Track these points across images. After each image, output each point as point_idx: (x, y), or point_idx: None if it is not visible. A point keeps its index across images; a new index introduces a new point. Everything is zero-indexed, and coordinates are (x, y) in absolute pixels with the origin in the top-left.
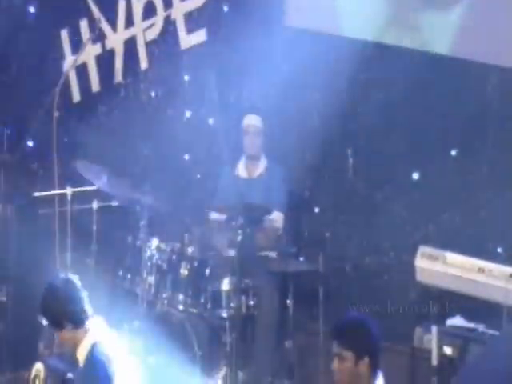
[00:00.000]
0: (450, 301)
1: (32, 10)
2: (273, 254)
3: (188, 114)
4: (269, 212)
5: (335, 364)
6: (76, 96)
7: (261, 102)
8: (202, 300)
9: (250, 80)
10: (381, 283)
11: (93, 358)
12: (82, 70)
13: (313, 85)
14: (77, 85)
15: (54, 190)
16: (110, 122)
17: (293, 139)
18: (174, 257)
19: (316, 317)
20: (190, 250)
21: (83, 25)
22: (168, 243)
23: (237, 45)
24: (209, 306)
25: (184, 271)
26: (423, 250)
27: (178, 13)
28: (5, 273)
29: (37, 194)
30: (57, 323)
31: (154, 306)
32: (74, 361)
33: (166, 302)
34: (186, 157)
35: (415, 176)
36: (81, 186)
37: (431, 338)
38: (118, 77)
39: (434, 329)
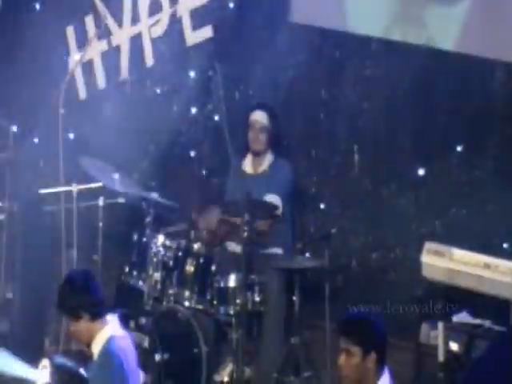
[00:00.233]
0: (456, 297)
1: (38, 6)
2: (279, 251)
3: (193, 110)
4: (275, 209)
5: (342, 359)
6: (82, 93)
7: (267, 99)
8: (208, 296)
9: (256, 76)
10: (387, 279)
11: (108, 350)
12: (87, 67)
13: (318, 81)
14: (82, 81)
15: (60, 187)
16: (115, 119)
17: (299, 136)
18: (180, 253)
19: (322, 313)
20: (195, 246)
21: (89, 21)
22: (174, 240)
23: (242, 41)
24: (215, 302)
25: (190, 268)
26: (429, 245)
27: (183, 9)
28: (11, 270)
29: (43, 190)
30: (74, 314)
31: (160, 303)
32: (80, 357)
33: (172, 298)
34: (192, 153)
35: (421, 172)
36: (86, 183)
37: (437, 334)
38: (124, 73)
39: (440, 325)
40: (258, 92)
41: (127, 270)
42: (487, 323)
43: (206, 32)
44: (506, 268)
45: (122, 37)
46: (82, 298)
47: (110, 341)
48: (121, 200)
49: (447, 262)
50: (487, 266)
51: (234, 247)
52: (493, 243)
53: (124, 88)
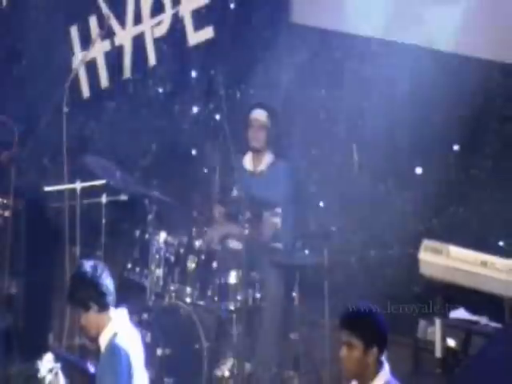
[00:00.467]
0: (453, 293)
1: (43, 6)
2: (279, 247)
3: (195, 109)
4: (271, 207)
5: (343, 352)
6: (85, 92)
7: (267, 98)
8: (210, 293)
9: (257, 76)
10: (385, 276)
11: (114, 344)
12: (91, 67)
13: (318, 80)
14: (86, 81)
15: (64, 184)
16: (118, 118)
17: (299, 135)
18: (181, 250)
19: (321, 309)
20: (197, 243)
21: (92, 22)
22: (176, 237)
23: (243, 41)
24: (216, 298)
25: (191, 264)
26: (427, 243)
27: (185, 10)
28: (15, 266)
29: (47, 188)
30: (82, 304)
31: (162, 299)
32: (83, 352)
33: (173, 294)
34: (193, 152)
35: (419, 171)
36: (90, 181)
37: (435, 331)
38: (127, 73)
39: (438, 321)
40: (259, 92)
41: (130, 266)
42: (484, 320)
43: (208, 32)
44: (501, 265)
45: (124, 37)
46: (91, 289)
47: (117, 334)
48: (123, 197)
49: (444, 259)
50: (484, 264)
51: (235, 244)
52: (489, 241)
53: (127, 87)
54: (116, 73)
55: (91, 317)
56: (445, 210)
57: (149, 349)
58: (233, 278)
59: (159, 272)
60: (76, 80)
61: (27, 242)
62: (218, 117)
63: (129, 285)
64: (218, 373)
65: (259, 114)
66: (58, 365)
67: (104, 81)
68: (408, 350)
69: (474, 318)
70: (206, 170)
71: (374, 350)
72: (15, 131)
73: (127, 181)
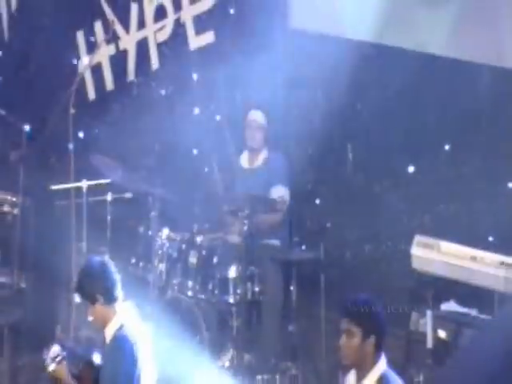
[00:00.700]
0: (444, 287)
1: (50, 12)
2: (277, 243)
3: (196, 110)
4: (273, 205)
5: (343, 340)
6: (91, 94)
7: (265, 100)
8: (210, 287)
9: (255, 78)
10: (379, 270)
11: (120, 336)
12: (96, 70)
13: (314, 83)
14: (92, 83)
15: (71, 183)
16: (123, 119)
17: (295, 135)
18: (183, 246)
19: (318, 302)
20: (198, 239)
21: (98, 27)
22: (178, 233)
23: (243, 45)
24: (216, 292)
25: (193, 259)
26: (419, 239)
27: (187, 16)
28: (24, 261)
29: (54, 186)
30: (90, 297)
31: (165, 292)
32: (90, 344)
33: (176, 288)
34: (195, 151)
35: (411, 169)
36: (96, 179)
37: (426, 322)
38: (131, 76)
39: (429, 313)
40: (257, 94)
41: (134, 261)
42: (473, 312)
43: (208, 37)
44: (491, 260)
45: (129, 41)
46: (99, 282)
47: (123, 326)
48: (128, 195)
49: (436, 254)
50: (473, 258)
51: (235, 239)
52: (479, 236)
53: (131, 90)
54: (120, 76)
55: (98, 309)
56: (436, 207)
57: (152, 340)
58: (232, 272)
59: (162, 267)
60: (82, 82)
61: (35, 238)
62: (218, 118)
63: (133, 279)
64: (219, 363)
65: (257, 115)
66: (64, 353)
67: (109, 83)
68: (401, 341)
69: (465, 310)
70: (206, 169)
71: (372, 339)
72: (24, 131)
73: (131, 179)
